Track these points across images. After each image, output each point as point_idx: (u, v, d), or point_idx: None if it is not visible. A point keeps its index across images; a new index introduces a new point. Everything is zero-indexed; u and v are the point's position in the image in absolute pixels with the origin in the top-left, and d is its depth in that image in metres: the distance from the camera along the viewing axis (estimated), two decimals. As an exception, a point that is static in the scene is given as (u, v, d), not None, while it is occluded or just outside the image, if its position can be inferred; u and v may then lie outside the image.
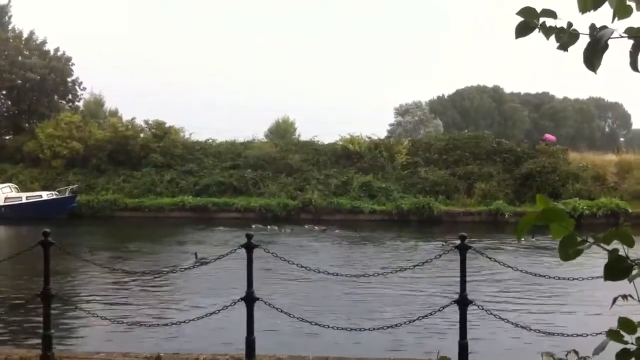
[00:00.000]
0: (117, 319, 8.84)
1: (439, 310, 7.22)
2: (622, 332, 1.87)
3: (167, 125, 38.15)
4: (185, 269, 12.72)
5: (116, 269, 13.11)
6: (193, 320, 7.29)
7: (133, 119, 38.66)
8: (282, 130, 58.55)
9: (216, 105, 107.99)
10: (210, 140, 38.93)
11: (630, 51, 1.96)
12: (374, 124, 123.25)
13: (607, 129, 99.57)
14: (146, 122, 38.33)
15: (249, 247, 6.47)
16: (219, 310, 7.04)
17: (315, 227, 26.45)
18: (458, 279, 6.71)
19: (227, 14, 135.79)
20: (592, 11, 1.99)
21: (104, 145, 36.38)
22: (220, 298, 11.22)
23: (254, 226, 26.64)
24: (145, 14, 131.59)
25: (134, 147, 36.11)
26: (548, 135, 41.03)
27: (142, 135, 37.55)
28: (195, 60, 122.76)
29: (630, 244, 1.66)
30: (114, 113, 45.61)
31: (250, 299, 6.55)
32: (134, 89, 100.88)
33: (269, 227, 26.43)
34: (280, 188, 32.89)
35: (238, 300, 6.62)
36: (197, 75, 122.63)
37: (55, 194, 32.53)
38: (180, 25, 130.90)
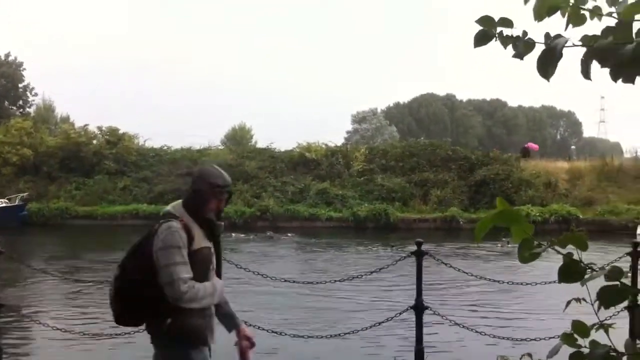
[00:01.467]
0: (71, 330, 8.63)
1: (395, 316, 7.26)
2: (575, 336, 1.90)
3: (120, 131, 37.56)
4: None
5: (69, 278, 12.82)
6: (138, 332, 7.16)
7: (86, 125, 38.00)
8: (238, 137, 58.37)
9: (173, 111, 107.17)
10: (166, 147, 38.48)
11: (582, 59, 2.00)
12: (331, 131, 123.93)
13: (558, 137, 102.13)
14: (99, 128, 37.70)
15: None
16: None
17: (270, 234, 26.41)
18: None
19: (175, 21, 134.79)
20: (547, 18, 2.03)
21: (55, 152, 35.60)
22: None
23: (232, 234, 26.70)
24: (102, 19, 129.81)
25: (86, 154, 35.44)
26: (531, 144, 41.69)
27: (94, 141, 36.89)
28: (154, 64, 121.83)
29: (584, 248, 1.69)
30: (66, 119, 44.75)
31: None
32: (90, 95, 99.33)
33: (233, 234, 26.32)
34: (236, 195, 32.68)
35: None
36: (154, 81, 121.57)
37: (5, 202, 31.64)
38: (140, 29, 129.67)
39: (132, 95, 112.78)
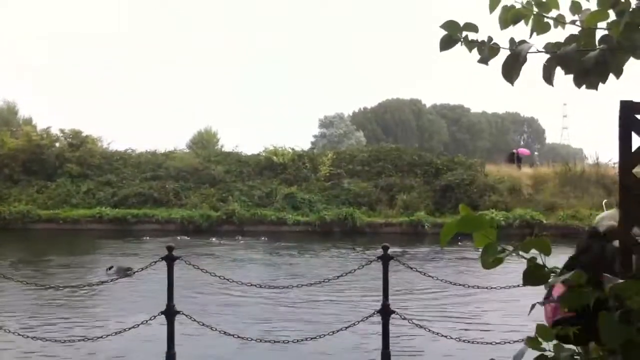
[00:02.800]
0: (33, 336, 8.44)
1: (361, 320, 7.27)
2: (539, 339, 1.92)
3: (84, 134, 36.97)
4: (103, 282, 12.29)
5: (31, 283, 12.53)
6: (111, 335, 7.05)
7: (48, 127, 37.31)
8: (204, 141, 57.99)
9: (140, 116, 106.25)
10: (130, 150, 37.96)
11: (545, 65, 2.03)
12: (298, 136, 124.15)
13: (522, 143, 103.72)
14: (62, 131, 37.03)
15: (170, 259, 6.33)
16: (138, 325, 6.84)
17: (239, 238, 26.35)
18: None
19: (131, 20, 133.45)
20: (512, 26, 2.05)
21: (17, 154, 34.84)
22: (144, 313, 10.90)
23: (179, 237, 26.50)
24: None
25: (48, 157, 34.78)
26: (522, 150, 41.98)
27: (57, 144, 36.23)
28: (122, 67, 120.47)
29: (547, 252, 1.71)
30: (28, 121, 43.90)
31: (170, 313, 6.40)
32: (55, 97, 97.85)
33: (213, 239, 26.30)
34: (202, 199, 32.46)
35: (158, 314, 6.45)
36: (118, 86, 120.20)
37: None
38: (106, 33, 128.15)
39: (98, 98, 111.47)
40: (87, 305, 13.19)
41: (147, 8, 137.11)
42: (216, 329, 7.13)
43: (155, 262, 6.69)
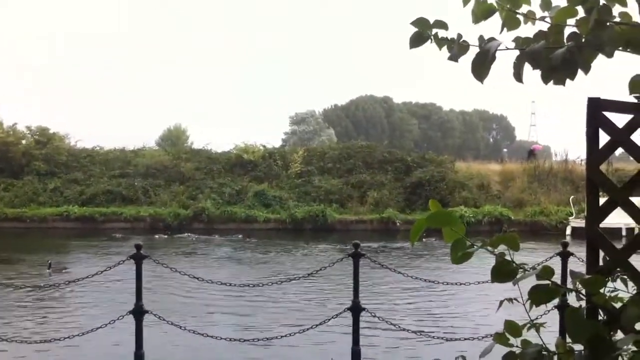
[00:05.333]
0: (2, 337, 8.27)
1: (331, 318, 7.27)
2: (508, 335, 1.92)
3: (51, 131, 36.38)
4: (70, 282, 12.11)
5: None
6: (78, 335, 6.94)
7: (14, 124, 36.61)
8: (173, 138, 57.49)
9: (140, 116, 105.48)
10: (98, 148, 37.42)
11: (515, 62, 2.03)
12: (269, 133, 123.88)
13: (491, 140, 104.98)
14: (28, 128, 36.40)
15: (138, 258, 6.25)
16: (105, 325, 6.75)
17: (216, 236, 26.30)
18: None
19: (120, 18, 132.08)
20: (482, 25, 2.05)
21: (-18, 152, 34.19)
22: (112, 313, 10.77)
23: (157, 236, 26.35)
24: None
25: (15, 154, 34.15)
26: (536, 146, 42.33)
27: (23, 141, 35.59)
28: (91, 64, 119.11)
29: (515, 248, 1.71)
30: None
31: (138, 312, 6.32)
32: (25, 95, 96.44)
33: (190, 235, 26.43)
34: (172, 197, 32.17)
35: (126, 314, 6.37)
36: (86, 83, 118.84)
37: None
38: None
39: (98, 98, 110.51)
40: (53, 305, 12.99)
41: (147, 8, 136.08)
42: (185, 328, 7.06)
43: (124, 261, 6.60)
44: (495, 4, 2.00)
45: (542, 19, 2.00)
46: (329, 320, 7.29)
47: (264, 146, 37.11)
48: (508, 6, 2.01)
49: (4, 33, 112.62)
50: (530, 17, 2.02)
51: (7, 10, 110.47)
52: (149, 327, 7.23)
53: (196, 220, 30.05)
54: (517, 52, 2.00)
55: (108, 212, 30.54)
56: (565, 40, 1.95)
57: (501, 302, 2.37)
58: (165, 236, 26.72)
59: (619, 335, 1.77)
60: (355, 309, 6.81)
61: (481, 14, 2.00)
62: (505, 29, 2.01)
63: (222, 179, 33.76)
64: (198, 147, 40.39)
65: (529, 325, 2.01)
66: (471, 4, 2.00)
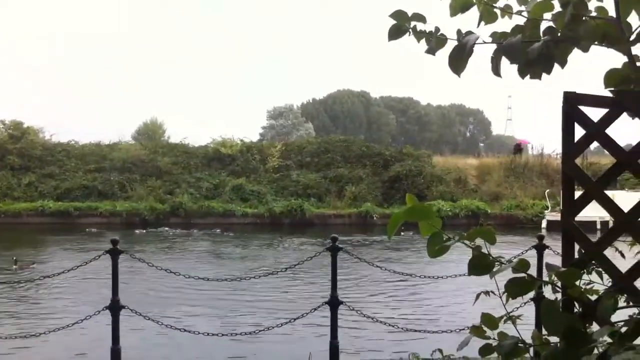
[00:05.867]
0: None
1: (310, 312, 7.27)
2: (484, 328, 1.93)
3: (25, 125, 35.85)
4: (46, 276, 11.98)
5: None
6: (54, 331, 6.86)
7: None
8: (150, 132, 56.96)
9: (140, 116, 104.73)
10: (73, 142, 36.93)
11: (492, 56, 2.03)
12: (246, 127, 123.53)
13: (468, 134, 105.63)
14: (2, 122, 35.81)
15: (114, 253, 6.19)
16: (82, 320, 6.68)
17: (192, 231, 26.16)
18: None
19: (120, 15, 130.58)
20: (459, 20, 2.05)
21: (-45, 146, 33.58)
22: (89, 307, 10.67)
23: (137, 231, 26.26)
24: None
25: (-13, 149, 33.63)
26: (522, 140, 42.48)
27: (-3, 136, 35.05)
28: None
29: (492, 241, 1.72)
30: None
31: (115, 308, 6.27)
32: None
33: (167, 230, 26.33)
34: (148, 191, 31.91)
35: (102, 309, 6.31)
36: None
37: None
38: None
39: (98, 98, 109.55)
40: (28, 301, 12.83)
41: (147, 8, 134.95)
42: (162, 323, 7.02)
43: (99, 256, 6.53)
44: (473, -2, 2.01)
45: (519, 13, 2.00)
46: (307, 314, 7.29)
47: (241, 140, 36.96)
48: (485, 0, 2.01)
49: (4, 33, 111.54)
50: (507, 11, 2.02)
51: (7, 10, 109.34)
52: (126, 323, 7.16)
53: (173, 215, 29.90)
54: (494, 46, 2.01)
55: (84, 207, 30.24)
56: (541, 35, 1.95)
57: (478, 295, 2.38)
58: (144, 231, 26.55)
59: (595, 327, 1.79)
60: (334, 303, 6.82)
61: (459, 7, 2.00)
62: (482, 22, 2.01)
63: (200, 174, 33.60)
64: (175, 141, 40.05)
65: (505, 317, 2.02)
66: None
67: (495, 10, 2.01)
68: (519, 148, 38.74)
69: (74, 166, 33.95)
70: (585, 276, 1.99)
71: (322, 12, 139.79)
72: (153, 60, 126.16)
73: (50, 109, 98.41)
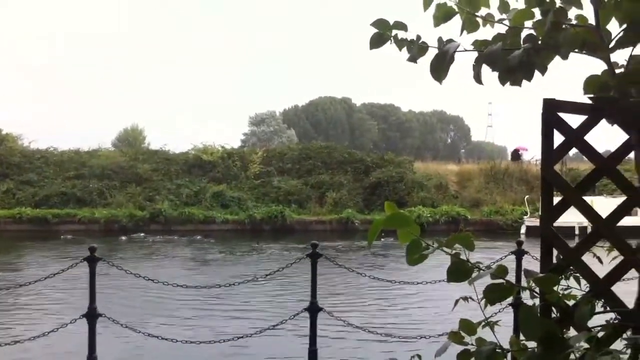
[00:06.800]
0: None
1: (289, 318, 7.24)
2: (462, 334, 1.93)
3: (3, 132, 35.45)
4: (22, 285, 11.82)
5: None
6: (29, 340, 6.76)
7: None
8: (130, 139, 56.63)
9: (139, 117, 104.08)
10: (52, 149, 36.57)
11: (474, 64, 2.04)
12: (228, 133, 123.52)
13: (449, 141, 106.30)
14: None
15: (92, 261, 6.12)
16: (57, 329, 6.59)
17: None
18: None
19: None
20: (441, 29, 2.06)
21: None
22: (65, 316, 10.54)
23: (123, 238, 26.02)
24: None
25: (-35, 155, 33.18)
26: (521, 147, 42.50)
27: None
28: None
29: (470, 248, 1.72)
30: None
31: (92, 316, 6.19)
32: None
33: (146, 236, 26.04)
34: (128, 198, 31.66)
35: (79, 317, 6.23)
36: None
37: None
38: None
39: (98, 98, 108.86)
40: (3, 309, 12.65)
41: (147, 8, 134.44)
42: (140, 331, 6.95)
43: (77, 263, 6.45)
44: (455, 7, 2.02)
45: (500, 21, 2.02)
46: (287, 321, 7.26)
47: (222, 147, 36.86)
48: (467, 9, 2.02)
49: (4, 33, 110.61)
50: (488, 19, 2.03)
51: (7, 10, 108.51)
52: (103, 331, 7.08)
53: (153, 222, 29.68)
54: (475, 54, 2.02)
55: (62, 214, 29.91)
56: (522, 42, 1.97)
57: (457, 301, 2.38)
58: (124, 238, 26.36)
59: (572, 332, 1.80)
60: (313, 309, 6.80)
61: (442, 16, 2.01)
62: (465, 31, 2.03)
63: (180, 180, 33.41)
64: (155, 148, 39.81)
65: (483, 323, 2.02)
66: (432, 8, 2.01)
67: (477, 19, 2.02)
68: (517, 154, 38.97)
69: (53, 173, 33.59)
70: (563, 282, 1.99)
71: (307, 18, 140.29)
72: (153, 60, 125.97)
73: (49, 109, 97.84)
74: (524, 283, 1.88)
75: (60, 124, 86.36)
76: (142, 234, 27.06)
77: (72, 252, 21.15)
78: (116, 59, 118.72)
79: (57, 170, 33.94)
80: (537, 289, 1.84)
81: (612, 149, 2.09)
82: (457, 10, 2.01)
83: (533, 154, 37.19)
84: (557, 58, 1.95)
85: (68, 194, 31.66)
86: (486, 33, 2.03)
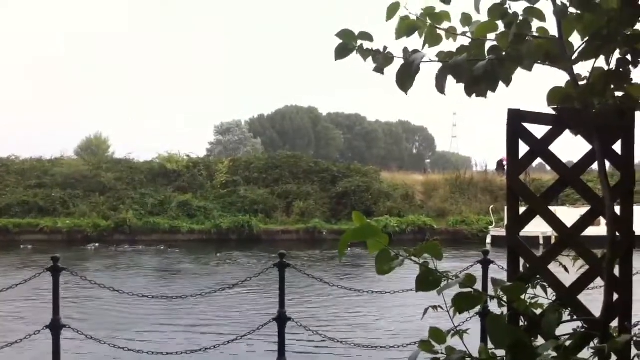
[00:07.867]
0: None
1: (257, 329, 7.20)
2: (432, 342, 1.94)
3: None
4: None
5: None
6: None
7: None
8: (93, 147, 55.90)
9: (139, 117, 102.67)
10: (14, 157, 35.85)
11: (437, 74, 2.07)
12: (193, 143, 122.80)
13: (414, 151, 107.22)
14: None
15: (55, 271, 6.01)
16: (21, 340, 6.44)
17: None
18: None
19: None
20: (406, 38, 2.07)
21: None
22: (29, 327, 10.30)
23: (90, 246, 25.77)
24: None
25: None
26: (505, 157, 42.41)
27: None
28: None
29: (439, 257, 1.73)
30: None
31: (56, 327, 6.07)
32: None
33: (109, 247, 25.50)
34: (91, 208, 31.17)
35: (42, 329, 6.10)
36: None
37: None
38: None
39: (98, 98, 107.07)
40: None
41: (147, 8, 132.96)
42: (105, 342, 6.84)
43: (40, 273, 6.33)
44: (417, 21, 2.03)
45: (464, 34, 2.04)
46: (254, 331, 7.22)
47: (188, 156, 36.57)
48: (429, 22, 2.04)
49: (4, 33, 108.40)
50: (451, 32, 2.06)
51: (7, 10, 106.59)
52: (67, 343, 6.94)
53: (118, 232, 29.27)
54: (440, 65, 2.04)
55: (23, 224, 29.32)
56: (486, 54, 1.99)
57: (426, 310, 2.39)
58: (91, 247, 26.03)
59: (540, 340, 1.82)
60: (281, 319, 6.78)
61: (404, 30, 2.03)
62: (427, 45, 2.05)
63: (145, 189, 33.00)
64: (119, 156, 39.31)
65: (453, 332, 2.04)
66: (394, 21, 2.03)
67: (439, 32, 2.04)
68: (502, 165, 39.39)
69: (14, 182, 32.91)
70: (530, 290, 2.02)
71: (273, 26, 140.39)
72: (156, 60, 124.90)
73: (50, 109, 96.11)
74: (491, 292, 1.89)
75: (24, 133, 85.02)
76: (96, 245, 26.72)
77: (35, 262, 20.72)
78: (116, 59, 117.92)
79: (19, 179, 33.24)
80: (504, 298, 1.86)
81: (576, 160, 2.12)
82: (419, 24, 2.03)
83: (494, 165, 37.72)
84: (523, 70, 1.98)
85: (30, 203, 31.03)
86: (449, 46, 2.05)
